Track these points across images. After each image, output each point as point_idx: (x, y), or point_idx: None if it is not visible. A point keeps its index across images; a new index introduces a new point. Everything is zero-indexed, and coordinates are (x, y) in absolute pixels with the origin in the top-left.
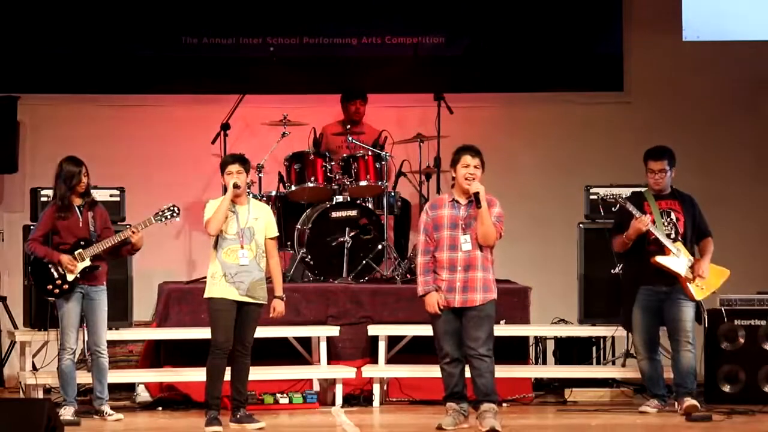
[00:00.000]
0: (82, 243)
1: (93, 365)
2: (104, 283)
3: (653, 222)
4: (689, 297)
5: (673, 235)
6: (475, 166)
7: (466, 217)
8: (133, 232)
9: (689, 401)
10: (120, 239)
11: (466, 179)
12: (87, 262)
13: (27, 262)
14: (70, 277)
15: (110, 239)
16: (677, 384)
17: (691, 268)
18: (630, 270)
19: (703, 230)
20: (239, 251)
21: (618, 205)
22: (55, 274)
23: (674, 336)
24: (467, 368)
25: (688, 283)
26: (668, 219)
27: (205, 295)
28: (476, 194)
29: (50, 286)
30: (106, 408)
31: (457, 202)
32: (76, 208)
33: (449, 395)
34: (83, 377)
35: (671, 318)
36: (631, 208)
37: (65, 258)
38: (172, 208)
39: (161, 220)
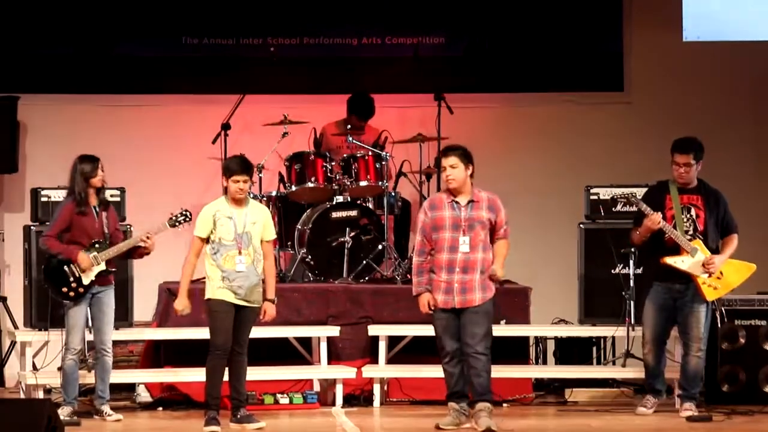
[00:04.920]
0: (96, 245)
1: (97, 364)
2: (112, 282)
3: (671, 218)
4: (702, 297)
5: (691, 232)
6: (451, 166)
7: (468, 218)
8: (148, 238)
9: (689, 411)
10: (133, 244)
11: (447, 182)
12: (102, 266)
13: (46, 261)
14: (86, 280)
15: (124, 243)
16: (682, 387)
17: (704, 265)
18: (648, 266)
19: (727, 227)
20: (236, 257)
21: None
22: (71, 277)
23: (685, 339)
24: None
25: (701, 283)
26: (688, 215)
27: (205, 296)
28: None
29: (65, 289)
30: (106, 408)
31: (457, 203)
32: (93, 208)
33: (450, 394)
34: (83, 377)
35: (683, 321)
36: (642, 207)
37: (84, 257)
38: (184, 213)
39: (175, 225)
